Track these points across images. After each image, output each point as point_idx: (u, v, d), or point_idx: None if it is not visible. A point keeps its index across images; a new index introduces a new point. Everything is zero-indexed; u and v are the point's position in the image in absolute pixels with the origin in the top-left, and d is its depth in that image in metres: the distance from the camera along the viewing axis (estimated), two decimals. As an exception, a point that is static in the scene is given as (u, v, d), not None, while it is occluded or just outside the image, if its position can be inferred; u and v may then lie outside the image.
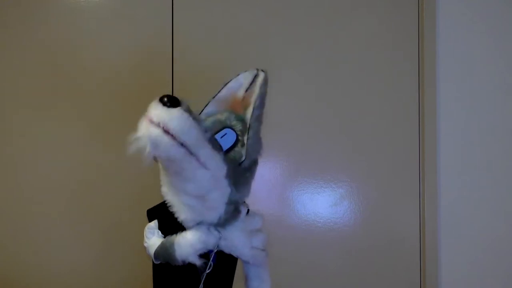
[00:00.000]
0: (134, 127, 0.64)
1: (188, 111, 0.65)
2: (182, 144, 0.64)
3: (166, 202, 0.77)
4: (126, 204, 1.36)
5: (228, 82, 0.82)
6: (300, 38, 1.39)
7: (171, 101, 0.64)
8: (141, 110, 0.65)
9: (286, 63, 1.39)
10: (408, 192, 1.38)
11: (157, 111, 0.63)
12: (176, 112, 0.63)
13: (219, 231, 0.76)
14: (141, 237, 0.79)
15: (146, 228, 0.81)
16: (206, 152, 0.68)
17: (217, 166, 0.70)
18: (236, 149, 0.76)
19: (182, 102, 0.65)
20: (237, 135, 0.76)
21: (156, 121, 0.62)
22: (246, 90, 0.81)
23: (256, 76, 0.81)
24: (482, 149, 1.39)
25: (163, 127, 0.63)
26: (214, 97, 0.82)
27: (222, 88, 0.82)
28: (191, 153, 0.66)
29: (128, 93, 1.36)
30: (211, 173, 0.70)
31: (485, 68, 1.39)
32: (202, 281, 0.76)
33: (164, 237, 0.78)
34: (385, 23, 1.39)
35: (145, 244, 0.80)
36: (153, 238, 0.79)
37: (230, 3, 1.39)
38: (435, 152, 1.37)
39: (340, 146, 1.38)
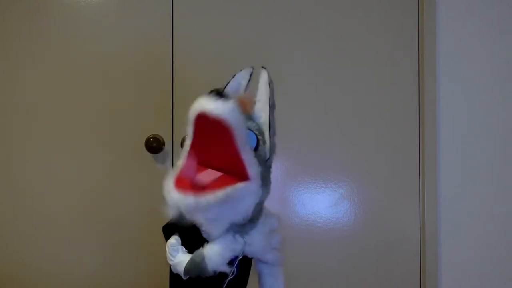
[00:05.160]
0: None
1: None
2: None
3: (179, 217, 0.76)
4: (129, 205, 1.36)
5: (226, 85, 0.82)
6: (300, 38, 1.39)
7: (220, 95, 0.65)
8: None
9: (286, 63, 1.39)
10: (408, 192, 1.38)
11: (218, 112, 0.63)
12: (231, 105, 0.65)
13: (243, 238, 0.76)
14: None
15: (168, 245, 0.79)
16: (249, 157, 0.69)
17: (255, 170, 0.71)
18: (260, 148, 0.75)
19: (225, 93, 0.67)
20: (256, 135, 0.76)
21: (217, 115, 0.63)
22: (245, 89, 0.82)
23: (251, 74, 0.83)
24: (482, 149, 1.39)
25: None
26: None
27: None
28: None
29: (128, 94, 1.36)
30: (254, 183, 0.71)
31: (485, 67, 1.39)
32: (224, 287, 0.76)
33: (188, 252, 0.77)
34: (385, 23, 1.39)
35: (171, 262, 0.78)
36: (178, 255, 0.77)
37: (231, 3, 1.39)
38: (435, 152, 1.37)
39: (340, 146, 1.38)
